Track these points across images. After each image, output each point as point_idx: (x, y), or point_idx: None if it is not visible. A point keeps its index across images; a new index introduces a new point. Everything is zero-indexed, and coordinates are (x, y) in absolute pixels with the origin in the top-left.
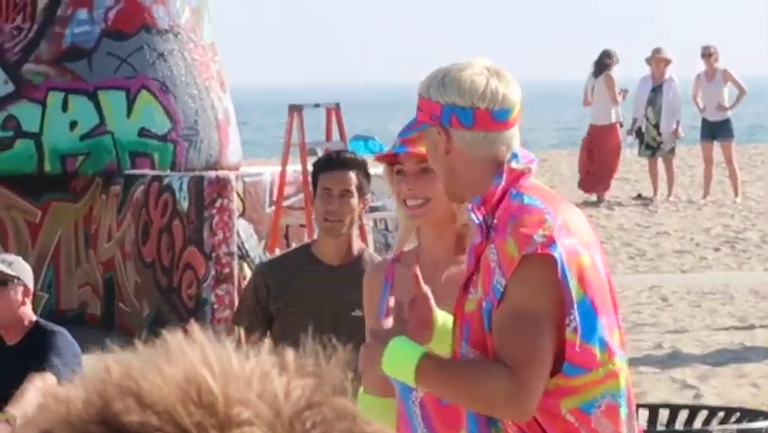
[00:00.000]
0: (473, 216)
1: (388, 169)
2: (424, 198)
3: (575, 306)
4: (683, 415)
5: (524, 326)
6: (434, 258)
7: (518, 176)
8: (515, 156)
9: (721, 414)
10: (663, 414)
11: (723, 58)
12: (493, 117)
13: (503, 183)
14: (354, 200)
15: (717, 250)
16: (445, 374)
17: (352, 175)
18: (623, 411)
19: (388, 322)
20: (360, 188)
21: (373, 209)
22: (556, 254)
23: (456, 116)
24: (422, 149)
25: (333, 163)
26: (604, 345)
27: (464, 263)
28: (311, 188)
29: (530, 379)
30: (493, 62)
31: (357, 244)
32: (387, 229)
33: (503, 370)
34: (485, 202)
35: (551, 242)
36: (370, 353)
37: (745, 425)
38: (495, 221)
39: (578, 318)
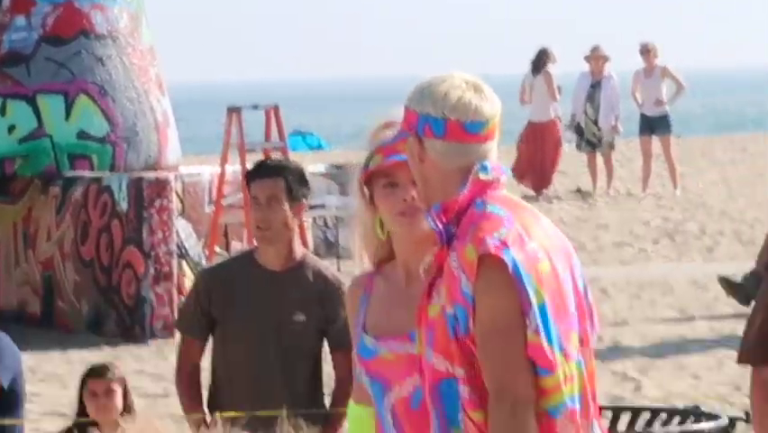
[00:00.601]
0: (431, 222)
1: (361, 187)
2: (420, 207)
3: (534, 308)
4: (626, 417)
5: (498, 340)
6: (409, 270)
7: (486, 186)
8: (483, 167)
9: (664, 415)
10: (605, 415)
11: (662, 53)
12: (464, 129)
13: (466, 193)
14: (284, 206)
15: (656, 242)
16: None
17: (280, 181)
18: (578, 416)
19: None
20: (290, 192)
21: (312, 207)
22: (507, 258)
23: (429, 126)
24: None
25: (259, 172)
26: (561, 349)
27: None
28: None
29: (517, 380)
30: (474, 76)
31: (299, 249)
32: (326, 226)
33: (493, 411)
34: (445, 210)
35: (504, 246)
36: None
37: (688, 426)
38: (458, 230)
39: (538, 320)
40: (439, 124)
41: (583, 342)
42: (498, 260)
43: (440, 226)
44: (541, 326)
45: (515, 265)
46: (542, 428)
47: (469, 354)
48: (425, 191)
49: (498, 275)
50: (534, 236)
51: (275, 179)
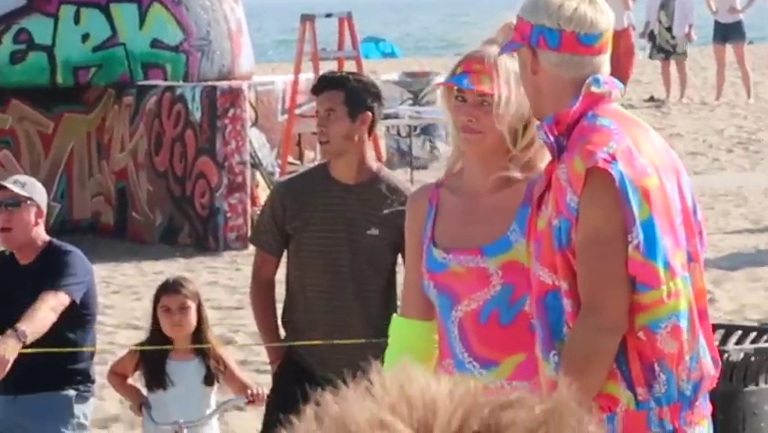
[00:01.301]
0: (543, 134)
1: (447, 92)
2: (480, 129)
3: (637, 224)
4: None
5: (596, 253)
6: (476, 187)
7: (597, 100)
8: (596, 80)
9: (738, 332)
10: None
11: None
12: (579, 41)
13: (578, 105)
14: (344, 119)
15: (730, 151)
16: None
17: (338, 94)
18: (684, 333)
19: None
20: (350, 104)
21: (386, 116)
22: (614, 172)
23: (544, 37)
24: (484, 87)
25: (317, 86)
26: (666, 265)
27: (504, 195)
28: None
29: (608, 301)
30: None
31: (373, 162)
32: (399, 135)
33: (578, 325)
34: (558, 122)
35: (612, 159)
36: None
37: (763, 344)
38: (568, 142)
39: (640, 236)
40: (554, 36)
41: (692, 258)
42: (606, 173)
43: (551, 138)
44: (643, 241)
45: (622, 179)
46: (642, 343)
47: (571, 267)
48: (537, 101)
49: (605, 189)
50: (643, 151)
51: (333, 91)
